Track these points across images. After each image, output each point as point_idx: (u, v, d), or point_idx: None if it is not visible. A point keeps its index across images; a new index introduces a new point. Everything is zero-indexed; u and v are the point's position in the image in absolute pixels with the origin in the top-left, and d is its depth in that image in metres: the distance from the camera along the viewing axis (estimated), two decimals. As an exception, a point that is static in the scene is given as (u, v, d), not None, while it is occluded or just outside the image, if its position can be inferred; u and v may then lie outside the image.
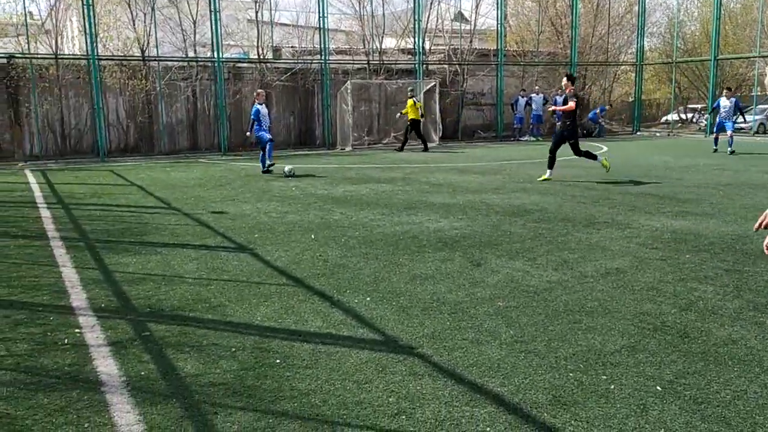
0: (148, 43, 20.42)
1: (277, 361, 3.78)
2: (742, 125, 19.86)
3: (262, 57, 22.33)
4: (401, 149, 20.43)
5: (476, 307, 4.72)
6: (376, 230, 7.60)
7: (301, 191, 11.14)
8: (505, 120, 25.39)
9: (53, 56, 19.48)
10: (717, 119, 18.64)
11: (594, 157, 11.94)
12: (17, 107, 18.82)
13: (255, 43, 22.47)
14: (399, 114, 21.33)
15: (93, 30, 18.82)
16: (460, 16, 27.19)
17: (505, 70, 25.61)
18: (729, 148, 17.51)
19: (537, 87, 25.39)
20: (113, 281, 5.55)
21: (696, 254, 6.21)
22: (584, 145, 12.07)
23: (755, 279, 5.32)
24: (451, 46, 25.47)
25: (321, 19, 21.85)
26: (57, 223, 8.36)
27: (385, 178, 12.90)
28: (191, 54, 21.31)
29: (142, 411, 3.17)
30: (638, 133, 27.79)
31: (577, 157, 11.96)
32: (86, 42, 19.02)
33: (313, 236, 7.30)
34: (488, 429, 2.99)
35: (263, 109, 13.94)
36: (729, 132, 17.90)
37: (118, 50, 20.50)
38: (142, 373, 3.63)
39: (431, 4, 24.84)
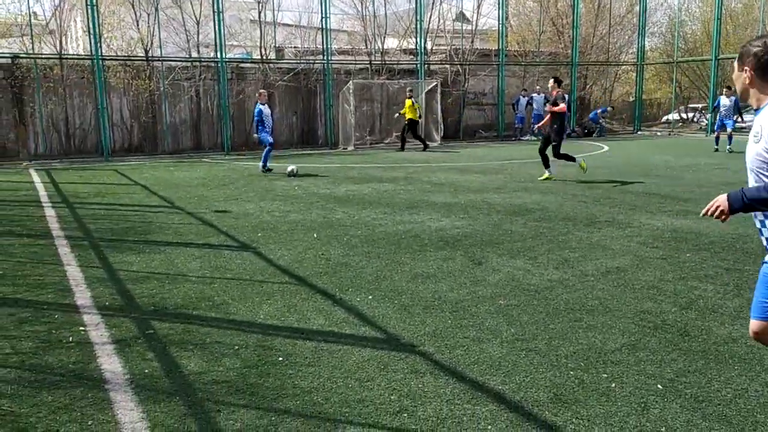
0: (152, 43, 20.47)
1: (280, 359, 3.80)
2: (743, 125, 19.89)
3: (265, 57, 22.37)
4: (402, 149, 20.46)
5: (477, 306, 4.74)
6: (378, 229, 7.62)
7: (303, 190, 11.17)
8: (507, 120, 25.39)
9: (57, 56, 19.54)
10: (717, 118, 18.76)
11: (572, 159, 11.92)
12: (22, 107, 18.89)
13: (258, 44, 22.51)
14: (397, 114, 21.37)
15: (97, 30, 18.86)
16: (461, 17, 27.17)
17: (507, 70, 25.60)
18: (728, 147, 17.55)
19: (538, 87, 25.34)
20: (117, 280, 5.58)
21: (696, 253, 6.23)
22: (566, 147, 12.09)
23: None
24: (453, 46, 25.47)
25: (323, 19, 21.87)
26: (61, 222, 8.40)
27: (387, 178, 12.92)
28: (195, 54, 21.36)
29: (145, 408, 3.20)
30: (639, 132, 27.76)
31: (555, 159, 11.93)
32: (90, 42, 19.06)
33: (315, 235, 7.32)
34: (489, 427, 3.01)
35: (266, 110, 13.97)
36: (729, 130, 18.01)
37: (121, 50, 20.54)
38: (146, 370, 3.66)
39: (433, 4, 24.84)
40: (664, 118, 31.94)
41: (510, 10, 27.55)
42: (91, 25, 18.74)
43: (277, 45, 23.35)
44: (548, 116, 12.10)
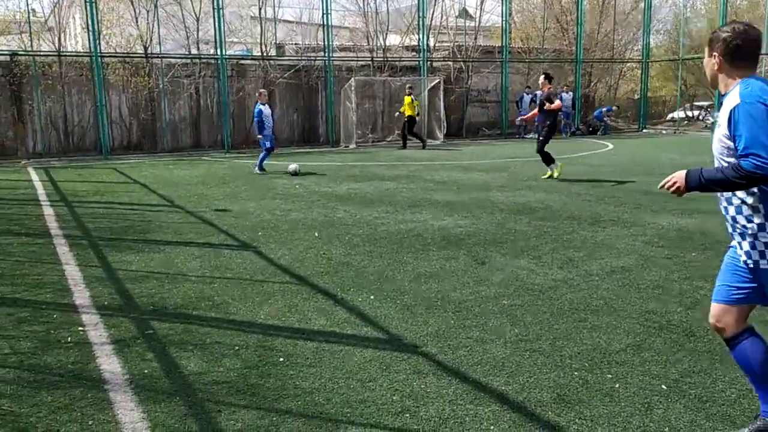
0: (151, 40, 20.43)
1: (281, 359, 3.77)
2: None
3: (265, 54, 22.31)
4: (404, 147, 20.42)
5: (481, 306, 4.70)
6: (380, 228, 7.58)
7: (304, 189, 11.13)
8: (510, 117, 25.34)
9: (56, 53, 19.50)
10: None
11: (552, 161, 11.82)
12: (20, 105, 18.84)
13: (258, 40, 22.46)
14: (398, 113, 21.31)
15: (96, 27, 18.81)
16: (464, 13, 27.10)
17: (510, 67, 25.52)
18: None
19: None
20: (116, 279, 5.55)
21: (702, 252, 6.18)
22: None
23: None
24: (456, 43, 25.38)
25: (324, 15, 21.81)
26: (60, 221, 8.37)
27: (389, 176, 12.87)
28: (194, 51, 21.31)
29: (145, 409, 3.17)
30: (644, 130, 27.68)
31: (536, 154, 11.89)
32: (89, 39, 19.02)
33: (316, 234, 7.28)
34: (492, 427, 2.97)
35: (266, 110, 13.86)
36: None
37: (120, 47, 20.50)
38: (146, 371, 3.62)
39: (435, 0, 24.78)
40: (670, 116, 31.83)
41: (513, 6, 27.43)
42: (89, 22, 18.68)
43: (277, 42, 23.30)
44: (535, 111, 12.10)
